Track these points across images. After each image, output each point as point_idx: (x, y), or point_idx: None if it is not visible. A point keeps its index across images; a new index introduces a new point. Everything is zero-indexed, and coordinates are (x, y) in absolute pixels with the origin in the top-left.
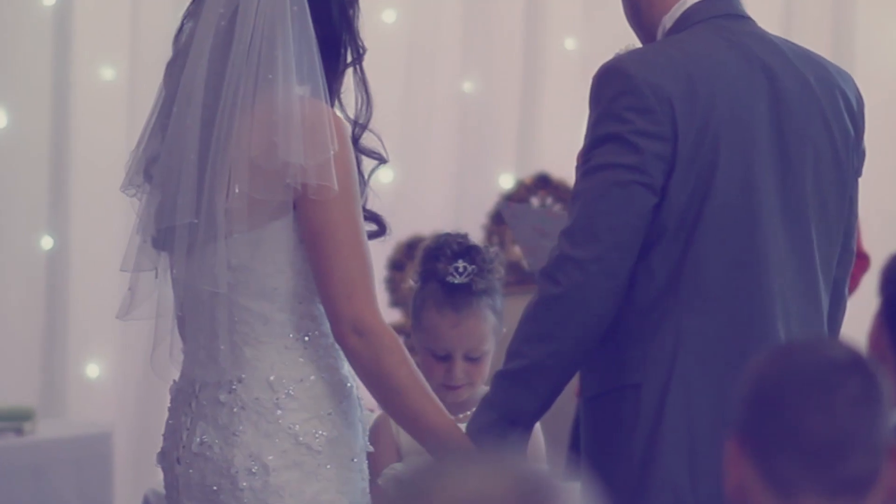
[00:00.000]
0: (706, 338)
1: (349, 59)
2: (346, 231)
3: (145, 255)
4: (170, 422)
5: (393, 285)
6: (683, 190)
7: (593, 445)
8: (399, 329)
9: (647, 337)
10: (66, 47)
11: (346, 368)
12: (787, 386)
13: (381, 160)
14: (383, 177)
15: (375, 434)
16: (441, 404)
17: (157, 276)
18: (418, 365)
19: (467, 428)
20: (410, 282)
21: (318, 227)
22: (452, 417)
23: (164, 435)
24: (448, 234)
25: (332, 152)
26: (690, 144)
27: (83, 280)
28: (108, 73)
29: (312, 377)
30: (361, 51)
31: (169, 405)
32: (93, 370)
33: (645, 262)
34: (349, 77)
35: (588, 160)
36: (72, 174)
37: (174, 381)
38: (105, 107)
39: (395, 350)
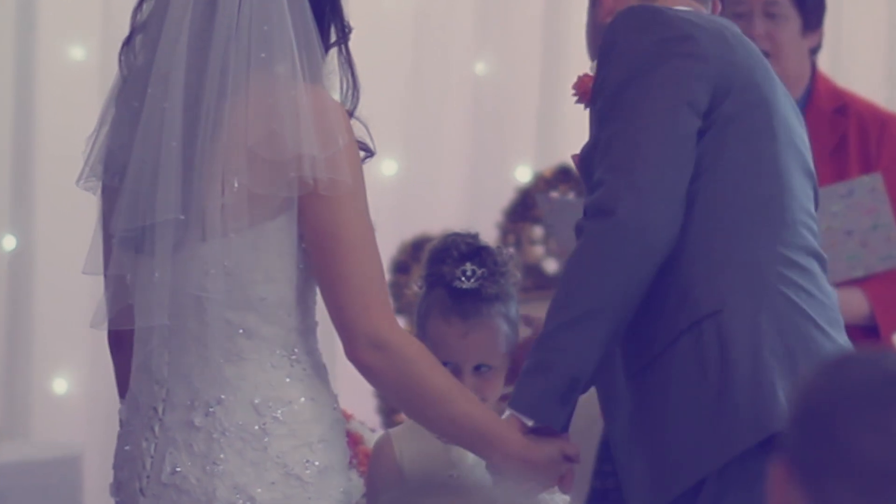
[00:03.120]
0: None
1: (333, 38)
2: (359, 231)
3: (119, 256)
4: (126, 448)
5: (397, 290)
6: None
7: (646, 416)
8: None
9: (712, 267)
10: (30, 24)
11: (332, 389)
12: (838, 403)
13: (369, 152)
14: (386, 169)
15: (376, 455)
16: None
17: (127, 281)
18: None
19: (517, 405)
20: (415, 287)
21: (327, 228)
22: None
23: (116, 464)
24: (456, 234)
25: (341, 142)
26: (738, 90)
27: (49, 284)
28: (77, 53)
29: (301, 399)
30: (347, 29)
31: (120, 429)
32: (60, 385)
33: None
34: (333, 58)
35: (614, 105)
36: (36, 166)
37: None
38: (74, 91)
39: (423, 358)
